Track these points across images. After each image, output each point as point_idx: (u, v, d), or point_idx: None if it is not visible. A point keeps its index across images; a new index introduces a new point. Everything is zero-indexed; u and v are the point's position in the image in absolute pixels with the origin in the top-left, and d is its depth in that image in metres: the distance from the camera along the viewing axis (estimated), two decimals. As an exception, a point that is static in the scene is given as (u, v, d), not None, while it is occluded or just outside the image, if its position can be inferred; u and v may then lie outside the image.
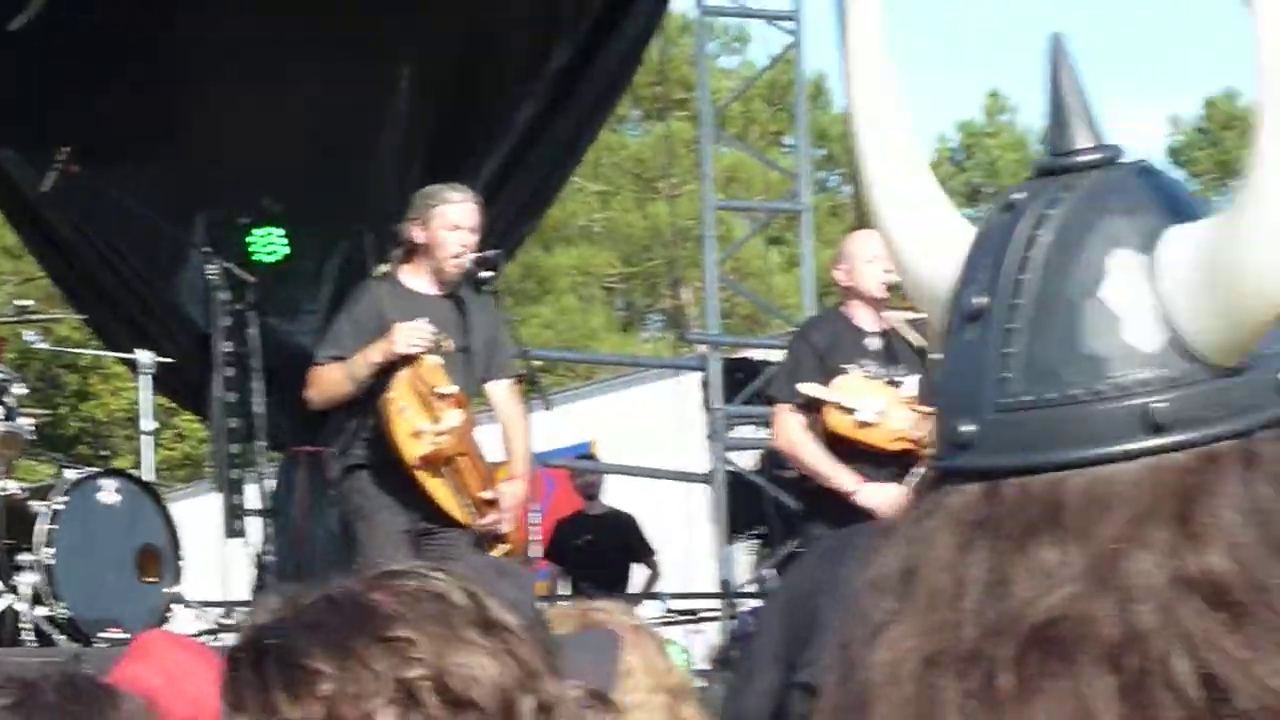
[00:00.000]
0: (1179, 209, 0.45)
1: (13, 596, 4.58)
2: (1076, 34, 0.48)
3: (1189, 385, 0.42)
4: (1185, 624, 0.38)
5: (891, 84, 0.50)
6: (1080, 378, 0.42)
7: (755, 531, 7.28)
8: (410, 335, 3.57)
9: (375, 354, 3.58)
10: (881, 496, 4.12)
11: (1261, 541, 0.39)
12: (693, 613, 7.62)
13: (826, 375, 4.43)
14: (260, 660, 0.88)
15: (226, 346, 5.59)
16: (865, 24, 0.48)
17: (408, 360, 3.62)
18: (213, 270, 5.50)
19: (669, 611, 7.16)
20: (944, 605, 0.42)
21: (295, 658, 0.86)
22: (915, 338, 4.54)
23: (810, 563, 2.31)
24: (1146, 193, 0.45)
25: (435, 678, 0.85)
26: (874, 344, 4.56)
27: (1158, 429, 0.41)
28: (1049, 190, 0.45)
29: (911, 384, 4.44)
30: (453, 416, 3.60)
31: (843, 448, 4.43)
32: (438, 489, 3.64)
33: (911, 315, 4.33)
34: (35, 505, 4.68)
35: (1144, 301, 0.42)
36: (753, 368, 7.51)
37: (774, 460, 6.21)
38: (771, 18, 8.57)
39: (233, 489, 6.07)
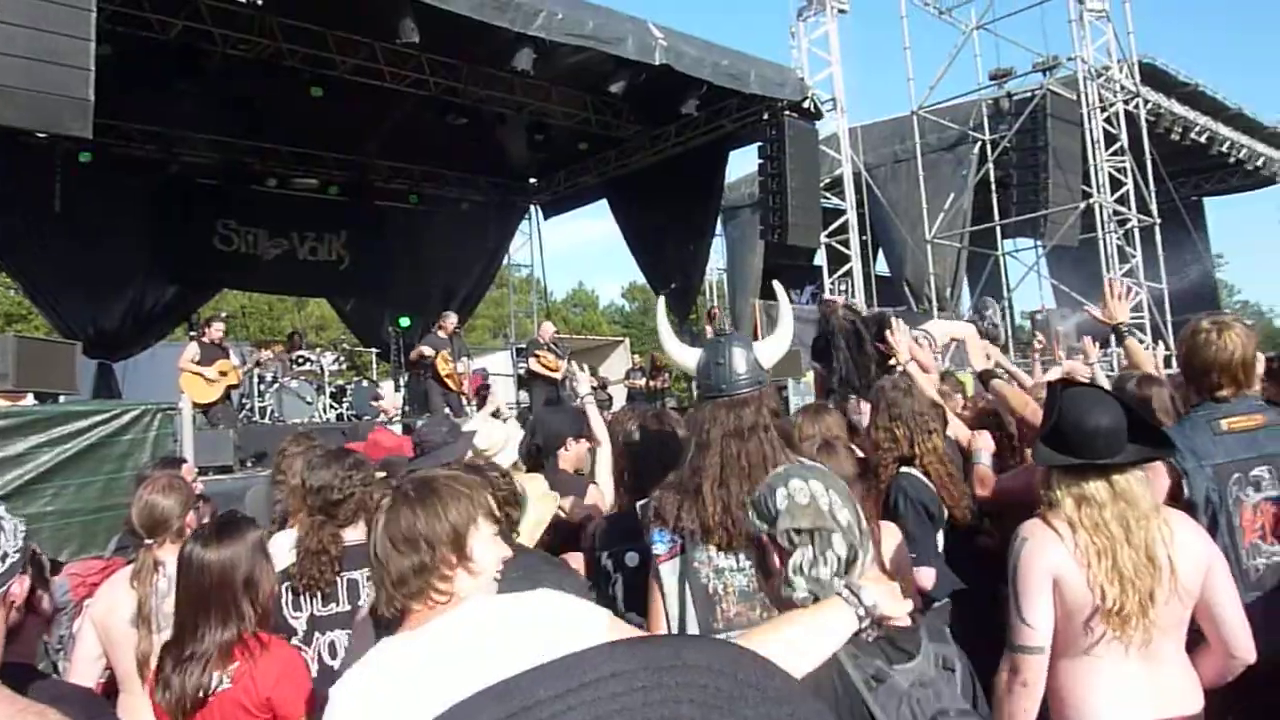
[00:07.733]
0: (749, 343, 2.29)
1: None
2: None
3: (763, 375, 2.17)
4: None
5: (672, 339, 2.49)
6: (740, 376, 2.17)
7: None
8: None
9: None
10: None
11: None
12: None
13: None
14: None
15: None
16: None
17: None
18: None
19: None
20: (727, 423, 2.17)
21: None
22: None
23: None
24: (745, 342, 2.22)
25: None
26: None
27: (758, 384, 2.15)
28: (726, 338, 2.23)
29: None
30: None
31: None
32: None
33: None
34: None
35: (751, 359, 2.17)
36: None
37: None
38: None
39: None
